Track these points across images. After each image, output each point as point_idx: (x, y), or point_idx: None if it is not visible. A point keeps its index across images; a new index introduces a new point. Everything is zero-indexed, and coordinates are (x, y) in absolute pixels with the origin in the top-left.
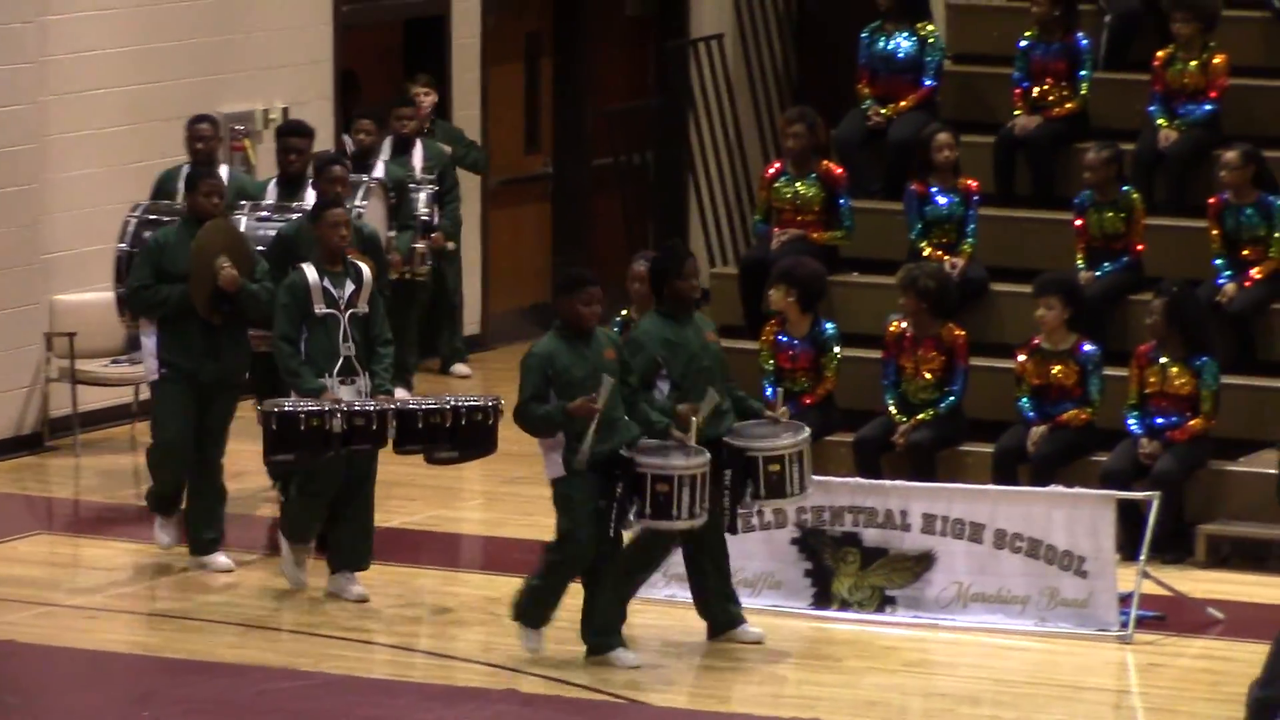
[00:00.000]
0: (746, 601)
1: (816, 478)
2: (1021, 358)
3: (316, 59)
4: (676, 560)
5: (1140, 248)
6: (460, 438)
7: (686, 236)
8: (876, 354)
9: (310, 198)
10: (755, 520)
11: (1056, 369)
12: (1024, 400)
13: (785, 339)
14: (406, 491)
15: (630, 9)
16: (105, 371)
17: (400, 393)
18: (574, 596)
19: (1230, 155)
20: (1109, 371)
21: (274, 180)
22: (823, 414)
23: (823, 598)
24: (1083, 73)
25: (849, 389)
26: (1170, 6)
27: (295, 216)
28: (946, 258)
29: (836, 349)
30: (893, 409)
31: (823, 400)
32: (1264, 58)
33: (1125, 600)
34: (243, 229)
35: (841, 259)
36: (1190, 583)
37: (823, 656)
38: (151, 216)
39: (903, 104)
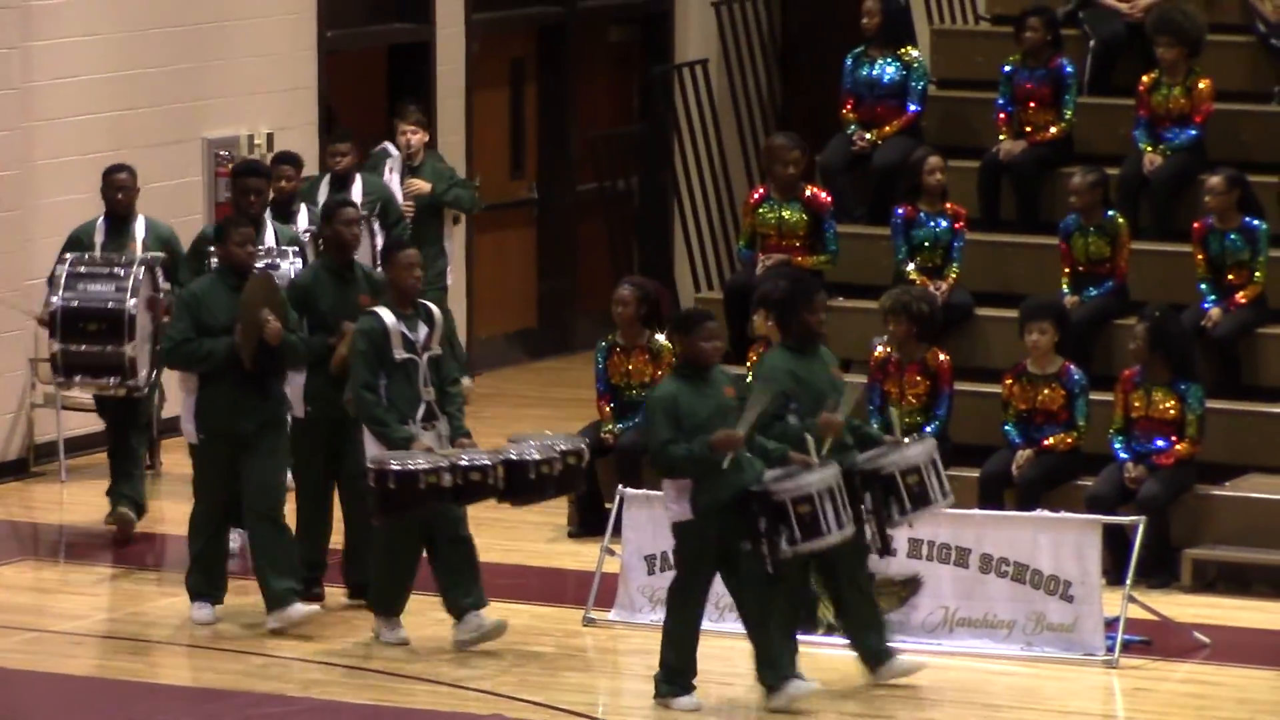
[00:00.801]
0: (729, 626)
1: None
2: (1008, 382)
3: (300, 85)
4: (665, 586)
5: (1125, 272)
6: (560, 483)
7: (671, 261)
8: (861, 378)
9: (269, 238)
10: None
11: (1043, 393)
12: (1009, 425)
13: None
14: None
15: (614, 35)
16: (90, 397)
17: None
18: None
19: (1215, 180)
20: (1094, 396)
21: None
22: None
23: (809, 623)
24: (1067, 98)
25: None
26: (1154, 31)
27: (297, 262)
28: (931, 283)
29: None
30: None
31: None
32: (1249, 82)
33: (1111, 625)
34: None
35: (826, 284)
36: (1176, 607)
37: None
38: (83, 269)
39: (887, 129)
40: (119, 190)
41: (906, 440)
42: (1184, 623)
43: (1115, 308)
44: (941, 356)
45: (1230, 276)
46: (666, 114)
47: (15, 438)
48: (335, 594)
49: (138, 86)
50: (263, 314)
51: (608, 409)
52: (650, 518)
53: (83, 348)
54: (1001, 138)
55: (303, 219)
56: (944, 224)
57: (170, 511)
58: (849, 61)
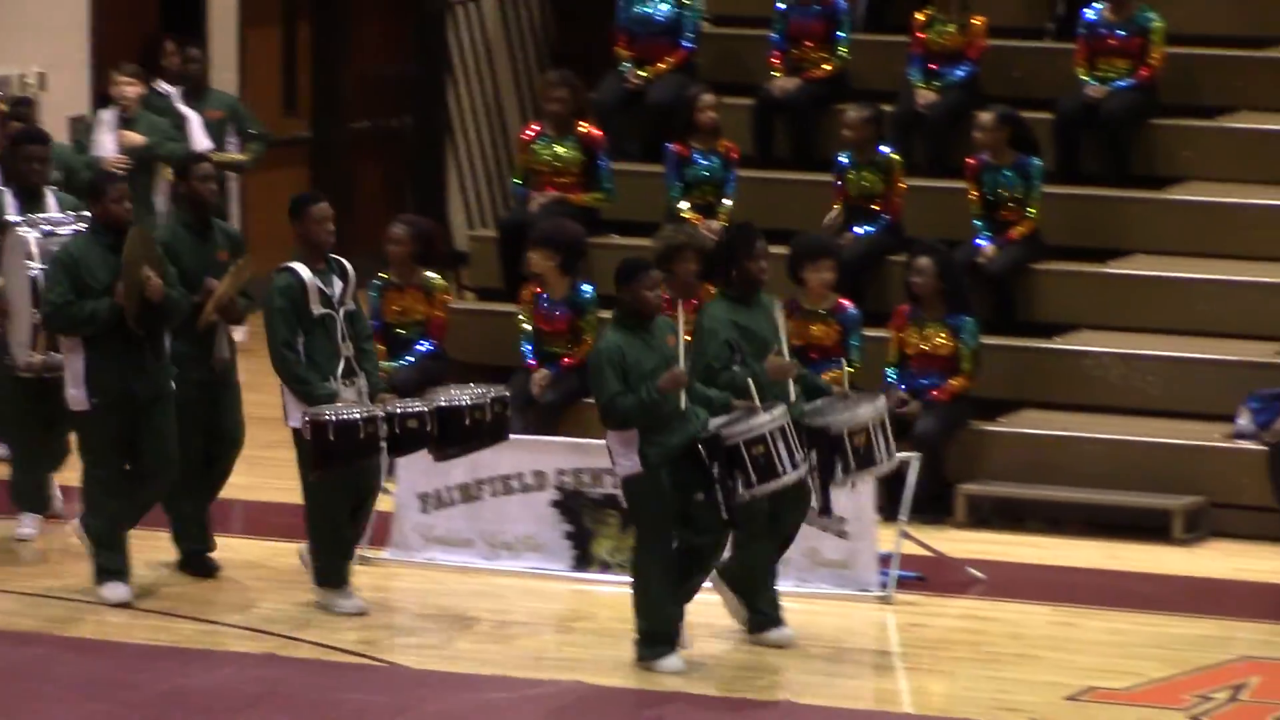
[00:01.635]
0: (506, 564)
1: (578, 440)
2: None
3: (72, 23)
4: (439, 524)
5: (899, 209)
6: (490, 432)
7: (445, 199)
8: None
9: (51, 205)
10: (515, 483)
11: (816, 329)
12: None
13: (544, 301)
14: None
15: None
16: None
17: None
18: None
19: (986, 117)
20: (867, 332)
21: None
22: (582, 376)
23: (583, 560)
24: (841, 34)
25: None
26: None
27: (72, 230)
28: (703, 220)
29: (595, 311)
30: None
31: (581, 362)
32: (1022, 18)
33: (886, 561)
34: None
35: (601, 221)
36: (950, 543)
37: (583, 618)
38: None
39: (661, 66)
40: None
41: (851, 394)
42: (958, 558)
43: (888, 244)
44: (714, 292)
45: (1005, 213)
46: (440, 51)
47: None
48: None
49: None
50: (143, 271)
51: (382, 347)
52: (424, 457)
53: None
54: (776, 75)
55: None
56: (717, 162)
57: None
58: None
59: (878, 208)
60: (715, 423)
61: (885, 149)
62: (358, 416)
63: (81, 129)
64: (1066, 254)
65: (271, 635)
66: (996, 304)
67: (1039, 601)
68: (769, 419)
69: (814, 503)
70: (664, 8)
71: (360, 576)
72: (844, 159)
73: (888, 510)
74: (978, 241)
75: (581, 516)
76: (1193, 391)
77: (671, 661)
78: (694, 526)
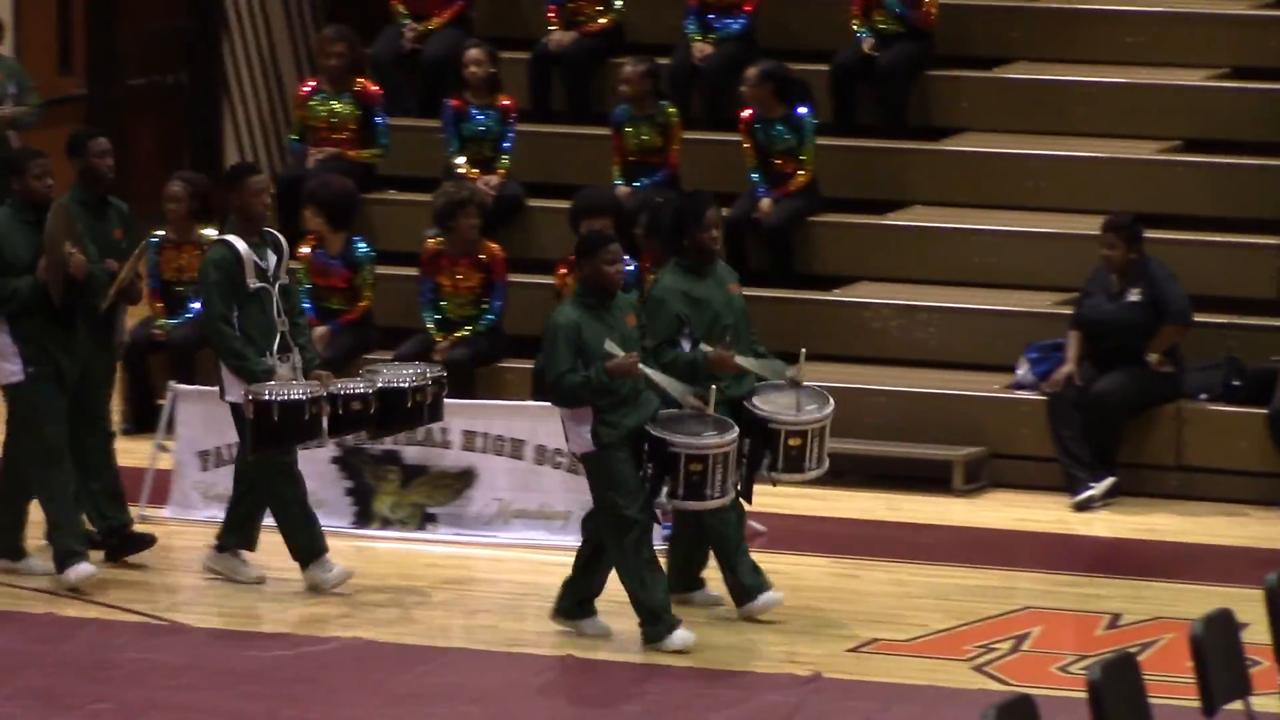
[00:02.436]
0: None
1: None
2: (562, 272)
3: None
4: (220, 482)
5: (676, 162)
6: (430, 412)
7: (222, 156)
8: (414, 271)
9: None
10: None
11: None
12: None
13: (321, 257)
14: None
15: None
16: None
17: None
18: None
19: (750, 72)
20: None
21: None
22: (360, 332)
23: (364, 516)
24: None
25: (388, 307)
26: None
27: None
28: (482, 175)
29: (371, 267)
30: (431, 327)
31: (360, 318)
32: None
33: (666, 516)
34: None
35: (378, 177)
36: None
37: (365, 575)
38: None
39: (436, 21)
40: None
41: (805, 383)
42: None
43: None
44: (494, 247)
45: (780, 166)
46: (215, 7)
47: None
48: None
49: None
50: (65, 248)
51: (159, 304)
52: (204, 413)
53: None
54: (552, 29)
55: None
56: (494, 116)
57: None
58: None
59: (655, 161)
60: (665, 414)
61: (663, 102)
62: (303, 396)
63: None
64: (844, 206)
65: (52, 595)
66: (775, 257)
67: (821, 554)
68: (719, 442)
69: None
70: None
71: None
72: (621, 113)
73: None
74: (756, 194)
75: (362, 473)
76: (972, 343)
77: (680, 636)
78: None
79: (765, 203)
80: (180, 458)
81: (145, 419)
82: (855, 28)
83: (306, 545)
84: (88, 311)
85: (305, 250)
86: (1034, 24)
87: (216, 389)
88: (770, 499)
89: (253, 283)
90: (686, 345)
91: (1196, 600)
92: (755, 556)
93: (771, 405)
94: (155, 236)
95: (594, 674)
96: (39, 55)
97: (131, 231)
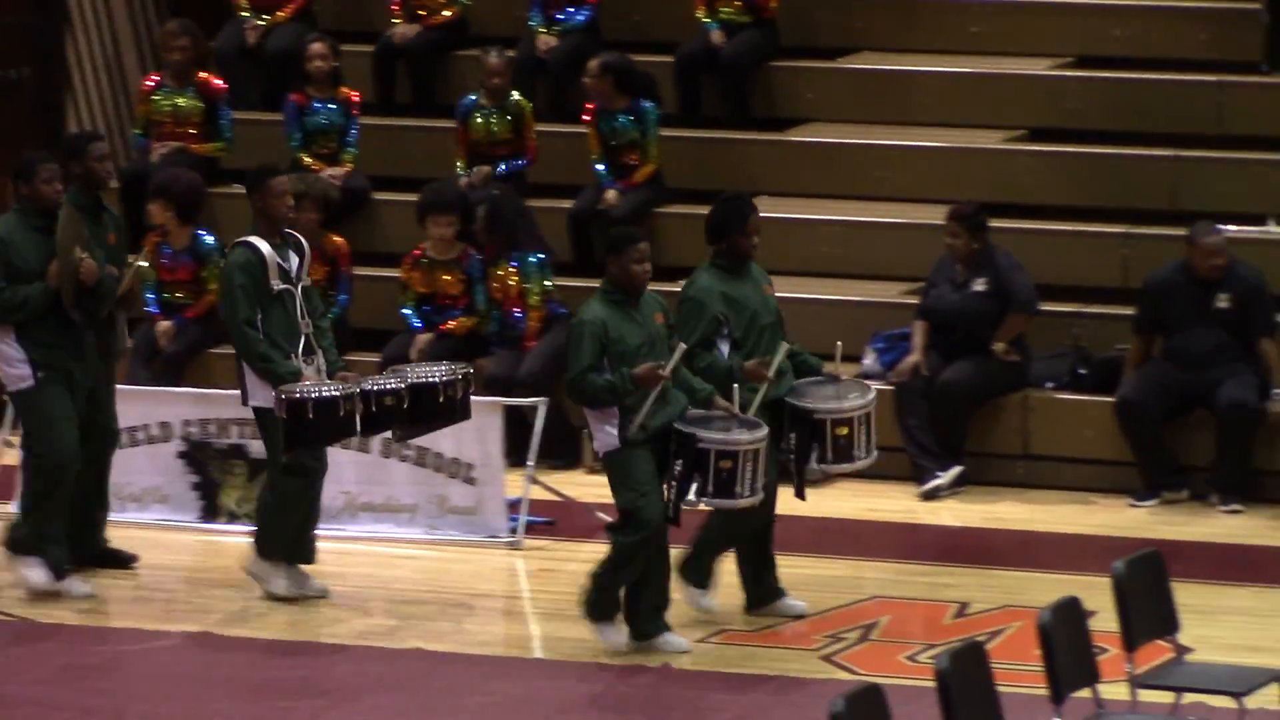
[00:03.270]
0: (134, 516)
1: (204, 391)
2: (407, 266)
3: None
4: None
5: (534, 150)
6: (460, 409)
7: None
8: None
9: None
10: (141, 434)
11: (443, 278)
12: (409, 308)
13: (167, 251)
14: None
15: None
16: None
17: None
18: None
19: (590, 65)
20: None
21: None
22: (205, 326)
23: (211, 510)
24: None
25: None
26: None
27: None
28: (326, 169)
29: (218, 260)
30: None
31: (206, 312)
32: None
33: (514, 506)
34: None
35: (223, 171)
36: (578, 487)
37: (212, 569)
38: None
39: (280, 14)
40: None
41: (844, 376)
42: (586, 502)
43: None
44: (339, 241)
45: (625, 157)
46: (57, 2)
47: None
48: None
49: None
50: (75, 254)
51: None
52: None
53: None
54: (396, 22)
55: None
56: (337, 110)
57: None
58: None
59: (502, 153)
60: (694, 414)
61: (515, 95)
62: (337, 394)
63: None
64: (690, 197)
65: None
66: None
67: (672, 544)
68: (749, 439)
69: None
70: None
71: None
72: (468, 104)
73: (515, 456)
74: (602, 186)
75: (208, 467)
76: (818, 332)
77: (612, 635)
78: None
79: (611, 194)
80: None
81: None
82: (701, 18)
83: (279, 545)
84: (96, 318)
85: (150, 245)
86: (878, 14)
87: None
88: None
89: (276, 285)
90: (725, 347)
91: (1044, 588)
92: (602, 548)
93: (813, 398)
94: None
95: (443, 667)
96: None
97: (124, 236)
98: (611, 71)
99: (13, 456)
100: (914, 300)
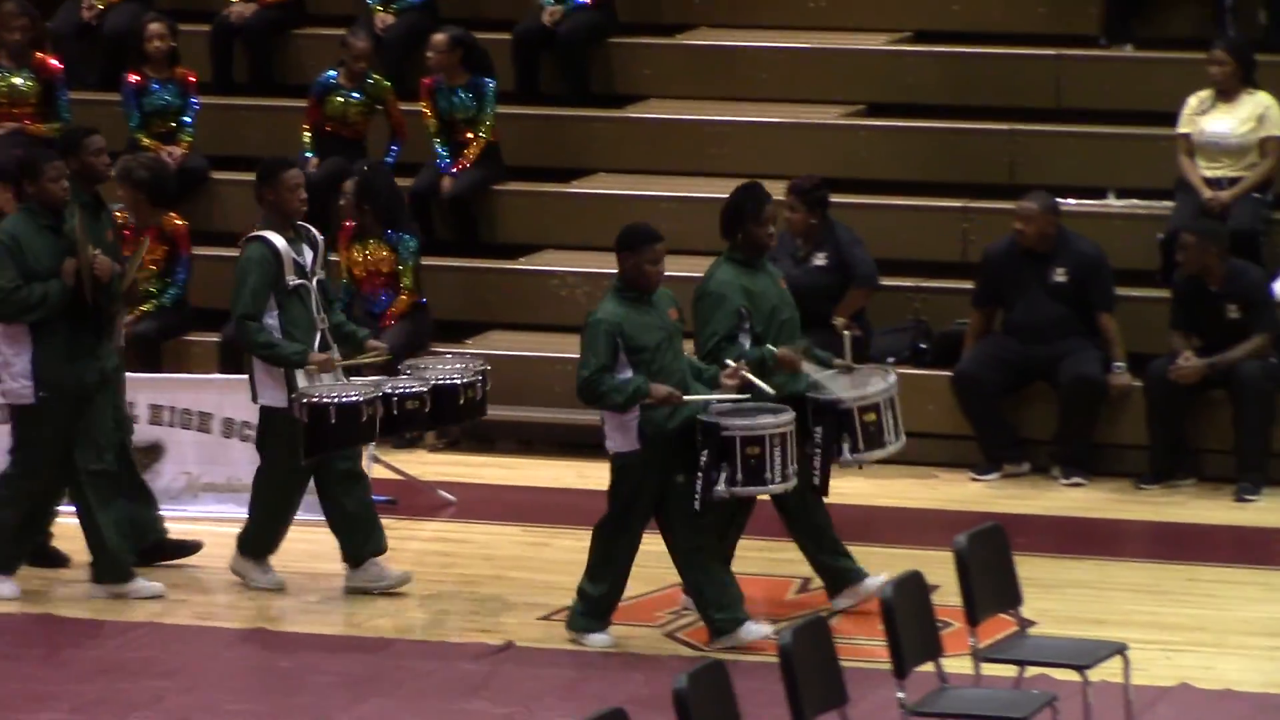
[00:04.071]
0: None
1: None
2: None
3: None
4: None
5: (402, 132)
6: (479, 408)
7: None
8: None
9: None
10: None
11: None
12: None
13: None
14: None
15: None
16: None
17: None
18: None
19: (437, 39)
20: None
21: None
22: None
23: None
24: None
25: None
26: None
27: None
28: (165, 149)
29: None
30: None
31: None
32: None
33: None
34: None
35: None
36: (420, 466)
37: (44, 554)
38: None
39: None
40: None
41: (855, 365)
42: (429, 481)
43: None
44: (178, 221)
45: (461, 134)
46: None
47: None
48: None
49: None
50: (90, 250)
51: None
52: None
53: None
54: (232, 1)
55: None
56: (175, 90)
57: None
58: None
59: (350, 135)
60: (718, 407)
61: (372, 76)
62: (359, 398)
63: None
64: (528, 175)
65: None
66: (459, 226)
67: (510, 522)
68: (775, 423)
69: (815, 480)
70: None
71: None
72: (324, 82)
73: None
74: (439, 164)
75: None
76: None
77: (600, 638)
78: (668, 514)
79: (446, 182)
80: None
81: None
82: None
83: (262, 540)
84: (106, 315)
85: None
86: None
87: None
88: (459, 469)
89: (292, 279)
90: (746, 342)
91: (886, 563)
92: (444, 526)
93: (836, 389)
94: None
95: (286, 647)
96: None
97: (117, 232)
98: (460, 45)
99: None
100: None
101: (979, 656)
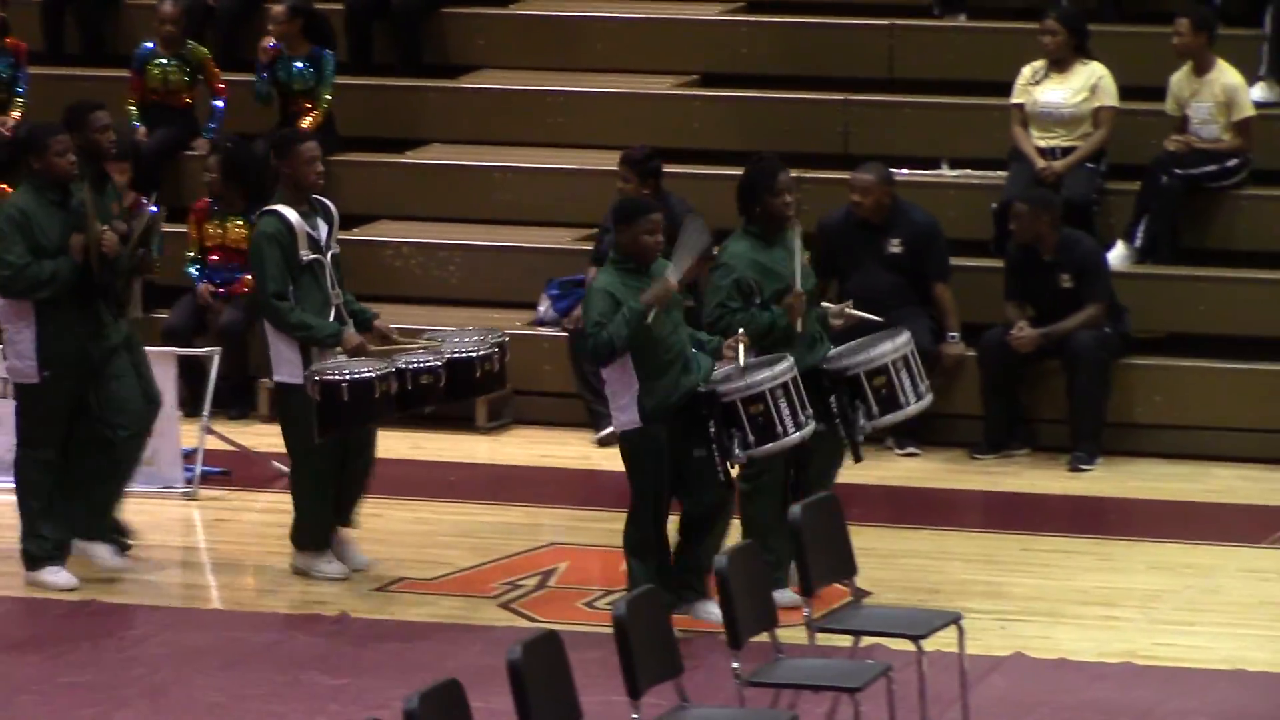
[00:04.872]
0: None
1: None
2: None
3: None
4: None
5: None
6: (497, 380)
7: None
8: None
9: None
10: None
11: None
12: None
13: None
14: None
15: None
16: None
17: None
18: None
19: (277, 9)
20: (169, 228)
21: None
22: None
23: None
24: None
25: None
26: None
27: None
28: None
29: None
30: None
31: None
32: None
33: (189, 456)
34: None
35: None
36: (254, 437)
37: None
38: None
39: None
40: None
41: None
42: (263, 452)
43: (185, 139)
44: (9, 191)
45: (297, 105)
46: None
47: None
48: None
49: None
50: (97, 226)
51: None
52: None
53: None
54: None
55: None
56: (5, 60)
57: None
58: None
59: (176, 104)
60: (718, 374)
61: (190, 43)
62: (372, 374)
63: None
64: (362, 145)
65: None
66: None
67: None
68: (769, 375)
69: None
70: None
71: None
72: (144, 52)
73: (190, 406)
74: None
75: None
76: (493, 280)
77: (709, 609)
78: (690, 486)
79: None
80: None
81: None
82: None
83: (315, 530)
84: (114, 290)
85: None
86: None
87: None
88: None
89: (306, 254)
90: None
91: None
92: (278, 497)
93: (843, 357)
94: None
95: (119, 618)
96: None
97: (120, 202)
98: (300, 15)
99: None
100: (588, 246)
101: (814, 627)
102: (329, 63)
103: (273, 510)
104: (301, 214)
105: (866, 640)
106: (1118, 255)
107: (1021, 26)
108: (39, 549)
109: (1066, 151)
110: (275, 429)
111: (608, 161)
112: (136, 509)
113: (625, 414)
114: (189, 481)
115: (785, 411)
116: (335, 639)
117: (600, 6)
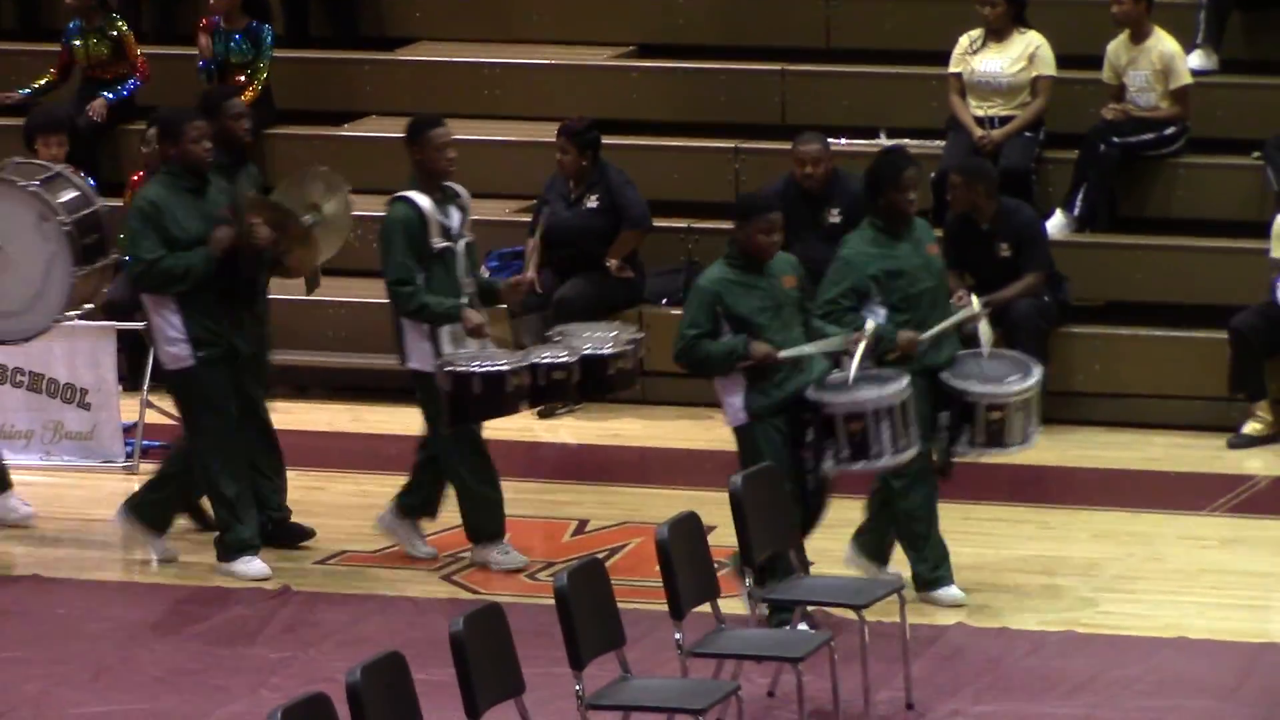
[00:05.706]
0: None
1: None
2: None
3: None
4: None
5: (144, 69)
6: (630, 378)
7: None
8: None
9: None
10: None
11: None
12: None
13: None
14: None
15: None
16: None
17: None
18: None
19: None
20: (112, 201)
21: None
22: None
23: None
24: None
25: None
26: None
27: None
28: None
29: None
30: None
31: None
32: None
33: (130, 431)
34: None
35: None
36: None
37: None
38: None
39: None
40: None
41: (1005, 352)
42: None
43: (127, 113)
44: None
45: (235, 78)
46: None
47: None
48: None
49: None
50: (248, 219)
51: None
52: None
53: None
54: None
55: None
56: None
57: None
58: None
59: (109, 76)
60: (833, 378)
61: (113, 15)
62: (505, 368)
63: None
64: (298, 118)
65: None
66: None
67: (290, 467)
68: (877, 395)
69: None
70: None
71: None
72: (74, 28)
73: (130, 380)
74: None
75: None
76: None
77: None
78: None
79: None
80: None
81: None
82: None
83: (486, 520)
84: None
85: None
86: None
87: None
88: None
89: (437, 242)
90: (881, 312)
91: (663, 504)
92: None
93: (968, 377)
94: None
95: (61, 594)
96: None
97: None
98: None
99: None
100: (526, 218)
101: (756, 597)
102: (267, 35)
103: None
104: (435, 201)
105: (809, 610)
106: (1056, 224)
107: None
108: (233, 539)
109: (1004, 121)
110: None
111: (546, 133)
112: (77, 483)
113: (733, 409)
114: (129, 456)
115: (885, 435)
116: (277, 612)
117: None
